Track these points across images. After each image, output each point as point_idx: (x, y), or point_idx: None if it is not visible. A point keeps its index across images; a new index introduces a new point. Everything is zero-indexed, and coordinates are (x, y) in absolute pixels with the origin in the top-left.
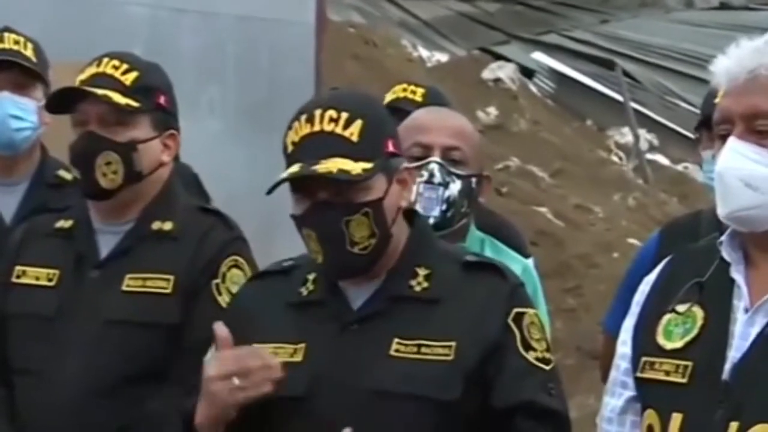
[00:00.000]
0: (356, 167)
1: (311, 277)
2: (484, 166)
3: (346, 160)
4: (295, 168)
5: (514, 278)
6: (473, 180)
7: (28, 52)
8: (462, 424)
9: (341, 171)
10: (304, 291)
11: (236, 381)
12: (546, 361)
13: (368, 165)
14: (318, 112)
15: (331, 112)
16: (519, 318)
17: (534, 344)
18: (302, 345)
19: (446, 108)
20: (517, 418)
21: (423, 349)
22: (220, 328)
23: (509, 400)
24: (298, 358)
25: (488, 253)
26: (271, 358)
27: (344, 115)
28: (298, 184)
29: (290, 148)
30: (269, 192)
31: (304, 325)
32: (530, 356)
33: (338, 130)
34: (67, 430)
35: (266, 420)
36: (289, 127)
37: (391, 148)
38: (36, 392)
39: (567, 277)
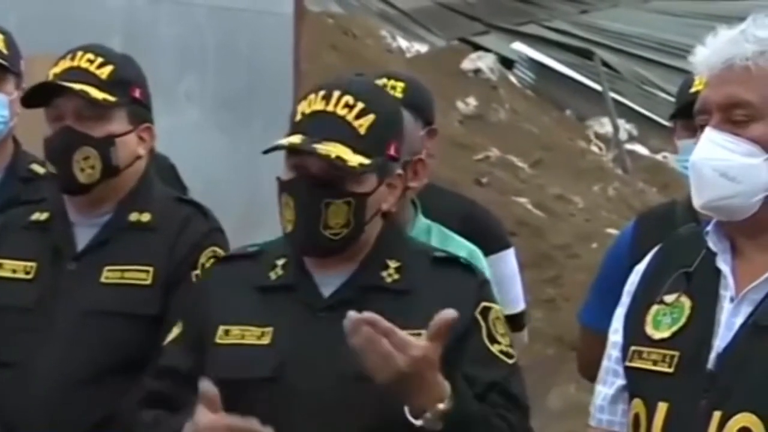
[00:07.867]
0: (354, 159)
1: (280, 262)
2: (417, 150)
3: (347, 149)
4: (296, 139)
5: (481, 274)
6: None
7: None
8: None
9: (339, 158)
10: (272, 275)
11: None
12: (509, 356)
13: (366, 161)
14: (336, 94)
15: (348, 98)
16: (486, 312)
17: (498, 338)
18: (269, 329)
19: None
20: (492, 395)
21: None
22: (208, 387)
23: (476, 383)
24: (266, 340)
25: (435, 240)
26: None
27: (359, 105)
28: (296, 151)
29: (299, 117)
30: (266, 152)
31: (271, 310)
32: (494, 348)
33: (349, 117)
34: (46, 422)
35: (233, 402)
36: (304, 97)
37: (392, 151)
38: (15, 385)
39: (546, 268)
